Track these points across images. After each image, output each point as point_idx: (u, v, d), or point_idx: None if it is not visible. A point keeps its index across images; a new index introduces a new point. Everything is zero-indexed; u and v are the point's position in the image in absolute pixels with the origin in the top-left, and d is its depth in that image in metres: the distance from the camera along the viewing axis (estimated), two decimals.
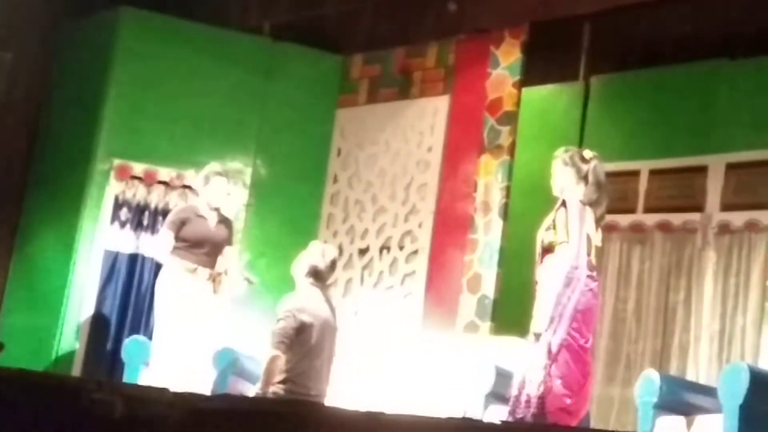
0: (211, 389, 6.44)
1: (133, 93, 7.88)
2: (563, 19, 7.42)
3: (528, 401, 4.86)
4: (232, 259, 6.41)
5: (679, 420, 5.42)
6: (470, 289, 7.36)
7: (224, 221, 6.38)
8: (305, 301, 5.75)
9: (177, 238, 6.20)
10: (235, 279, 6.35)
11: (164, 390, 2.92)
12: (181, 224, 6.21)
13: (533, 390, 4.85)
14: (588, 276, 4.94)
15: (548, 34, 7.53)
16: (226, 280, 6.27)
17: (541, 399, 4.83)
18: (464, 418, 3.14)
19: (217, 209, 6.34)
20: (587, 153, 5.18)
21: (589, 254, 4.97)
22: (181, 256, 6.17)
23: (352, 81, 8.48)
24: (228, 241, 6.36)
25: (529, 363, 4.94)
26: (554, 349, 4.84)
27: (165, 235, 6.25)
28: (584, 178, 5.09)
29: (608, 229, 5.35)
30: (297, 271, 5.87)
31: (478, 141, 7.59)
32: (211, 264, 6.22)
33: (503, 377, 6.00)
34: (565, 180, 5.10)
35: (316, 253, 5.87)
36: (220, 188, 6.33)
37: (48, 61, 8.21)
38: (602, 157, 5.28)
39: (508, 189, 7.40)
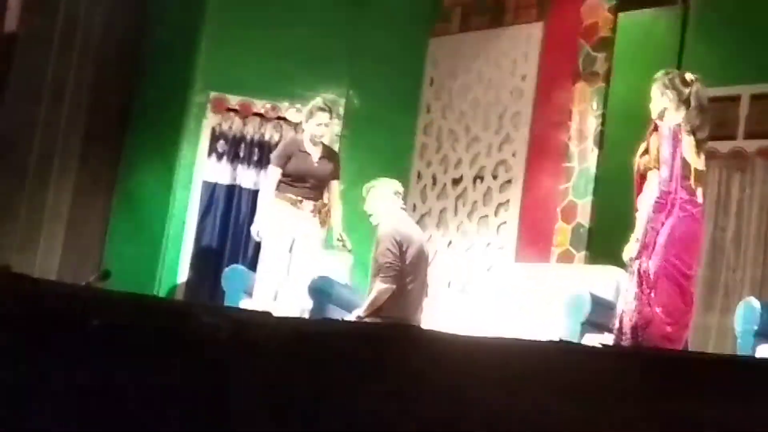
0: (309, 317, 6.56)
1: (228, 26, 7.96)
2: None
3: (624, 331, 4.86)
4: (336, 192, 6.44)
5: None
6: (565, 218, 7.32)
7: (329, 156, 6.40)
8: (400, 226, 5.85)
9: (282, 173, 6.27)
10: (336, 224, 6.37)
11: (268, 314, 3.00)
12: (287, 159, 6.28)
13: (626, 319, 4.84)
14: (686, 201, 4.86)
15: None
16: (331, 213, 6.33)
17: (635, 328, 4.81)
18: (563, 341, 3.16)
19: (321, 144, 6.36)
20: (688, 76, 5.05)
21: (687, 179, 4.88)
22: (286, 190, 6.25)
23: (445, 9, 8.41)
24: (333, 175, 6.39)
25: (624, 292, 4.93)
26: (652, 277, 4.80)
27: (273, 171, 6.33)
28: (685, 101, 4.98)
29: (707, 157, 5.23)
30: (380, 200, 5.95)
31: (573, 68, 7.48)
32: (316, 197, 6.28)
33: (600, 305, 5.99)
34: (665, 104, 5.00)
35: (390, 181, 6.02)
36: (323, 123, 6.34)
37: None
38: (702, 83, 5.16)
39: (603, 116, 7.30)
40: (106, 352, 2.34)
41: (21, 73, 7.84)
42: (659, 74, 5.11)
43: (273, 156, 6.45)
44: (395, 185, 6.08)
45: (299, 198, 6.23)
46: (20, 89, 7.80)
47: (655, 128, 4.99)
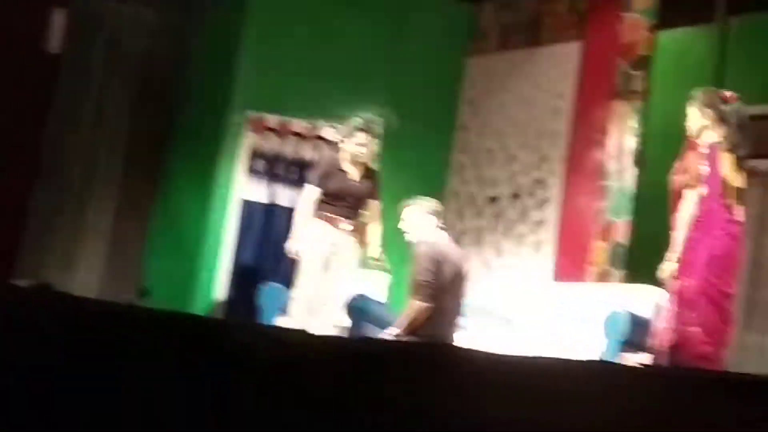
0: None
1: (266, 46, 8.01)
2: None
3: (662, 350, 4.82)
4: (375, 212, 6.41)
5: None
6: (603, 237, 7.28)
7: (367, 175, 6.38)
8: (438, 245, 5.86)
9: (320, 192, 6.28)
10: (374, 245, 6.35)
11: (304, 332, 3.01)
12: (324, 178, 6.28)
13: (664, 339, 4.80)
14: (726, 219, 4.82)
15: None
16: (370, 232, 6.32)
17: (673, 348, 4.77)
18: (602, 361, 3.14)
19: (361, 163, 6.35)
20: (727, 94, 5.03)
21: (726, 197, 4.84)
22: (323, 209, 6.26)
23: (482, 28, 8.42)
24: (372, 194, 6.37)
25: (662, 312, 4.91)
26: (691, 296, 4.76)
27: (310, 190, 6.34)
28: (724, 119, 4.95)
29: (746, 175, 5.19)
30: (418, 219, 5.96)
31: (611, 87, 7.45)
32: (353, 216, 6.28)
33: (638, 325, 5.94)
34: (703, 122, 4.97)
35: (428, 200, 6.07)
36: (362, 142, 6.33)
37: (187, 16, 8.41)
38: (742, 101, 5.12)
39: (641, 135, 7.27)
40: (144, 369, 2.36)
41: (64, 93, 7.95)
42: (698, 92, 5.09)
43: (311, 175, 6.47)
44: (433, 204, 6.09)
45: (337, 217, 6.23)
46: (63, 109, 7.91)
47: (694, 146, 4.96)
